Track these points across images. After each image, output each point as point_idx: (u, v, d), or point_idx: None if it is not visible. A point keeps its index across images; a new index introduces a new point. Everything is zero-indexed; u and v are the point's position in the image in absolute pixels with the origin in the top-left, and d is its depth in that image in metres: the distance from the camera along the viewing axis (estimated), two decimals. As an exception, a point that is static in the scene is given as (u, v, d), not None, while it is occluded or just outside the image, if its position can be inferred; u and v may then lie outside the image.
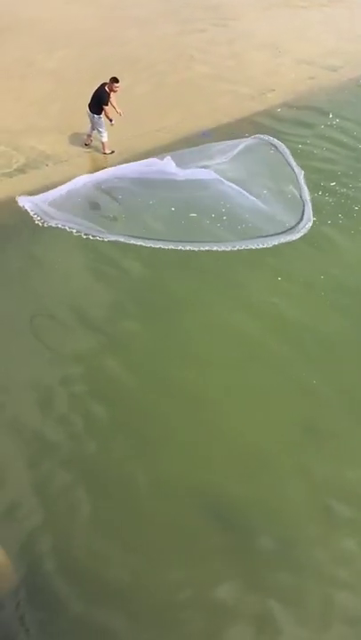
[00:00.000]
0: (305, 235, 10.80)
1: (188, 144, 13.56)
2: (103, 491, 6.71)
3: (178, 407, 7.65)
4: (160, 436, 7.32)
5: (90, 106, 12.27)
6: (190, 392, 7.81)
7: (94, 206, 11.45)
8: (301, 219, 11.20)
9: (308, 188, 12.32)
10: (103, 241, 10.25)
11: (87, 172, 12.11)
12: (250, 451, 7.20)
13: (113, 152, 12.87)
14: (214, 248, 10.19)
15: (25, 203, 10.78)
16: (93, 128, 12.68)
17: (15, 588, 5.80)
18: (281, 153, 13.53)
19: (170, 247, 10.10)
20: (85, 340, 8.46)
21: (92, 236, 10.23)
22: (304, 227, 10.96)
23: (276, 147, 13.74)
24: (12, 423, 7.32)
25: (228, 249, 10.18)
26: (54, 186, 11.46)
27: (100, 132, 12.54)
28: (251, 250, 10.30)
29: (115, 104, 12.34)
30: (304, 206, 11.60)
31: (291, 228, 10.87)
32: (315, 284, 9.76)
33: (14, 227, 10.48)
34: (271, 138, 13.95)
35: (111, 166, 12.37)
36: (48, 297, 9.25)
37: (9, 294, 9.26)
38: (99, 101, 12.13)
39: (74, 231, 10.31)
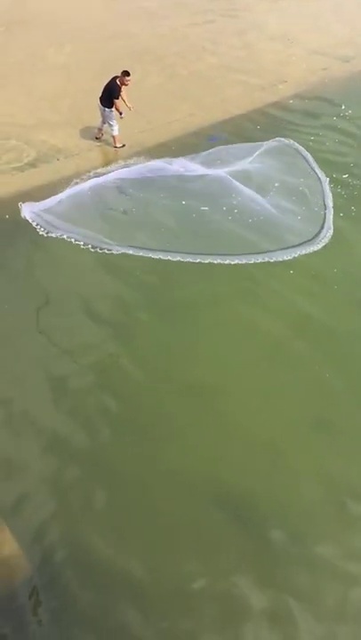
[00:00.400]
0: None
1: (198, 137, 13.52)
2: (115, 482, 6.72)
3: (190, 402, 7.62)
4: (173, 430, 7.30)
5: (101, 99, 12.26)
6: (202, 386, 7.79)
7: (100, 209, 10.94)
8: (322, 227, 10.74)
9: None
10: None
11: (98, 166, 12.12)
12: (263, 445, 7.17)
13: (124, 145, 12.85)
14: (230, 261, 9.63)
15: (27, 212, 10.49)
16: (104, 122, 12.66)
17: (28, 578, 5.83)
18: (303, 157, 12.93)
19: (187, 260, 9.61)
20: (95, 336, 8.46)
21: (100, 249, 9.75)
22: (325, 235, 10.47)
23: (298, 151, 13.13)
24: (22, 416, 7.35)
25: (243, 262, 9.65)
26: (65, 180, 11.48)
27: (111, 125, 12.52)
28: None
29: (125, 98, 12.31)
30: (326, 213, 11.12)
31: (312, 239, 10.33)
32: (327, 277, 9.68)
33: (25, 221, 10.47)
34: (292, 142, 13.37)
35: (122, 160, 12.36)
36: (57, 291, 9.24)
37: (18, 287, 9.27)
38: (110, 95, 12.11)
39: (81, 244, 9.87)
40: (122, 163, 12.24)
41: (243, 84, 16.15)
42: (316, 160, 12.83)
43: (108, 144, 12.93)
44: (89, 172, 11.86)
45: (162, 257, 9.62)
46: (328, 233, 10.51)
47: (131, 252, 9.72)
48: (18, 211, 10.48)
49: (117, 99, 12.09)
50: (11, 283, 9.37)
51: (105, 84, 12.23)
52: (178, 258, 9.61)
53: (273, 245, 10.07)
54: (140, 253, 9.71)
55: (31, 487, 6.61)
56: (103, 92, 12.25)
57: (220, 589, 5.90)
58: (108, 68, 13.81)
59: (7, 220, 10.39)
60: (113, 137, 12.76)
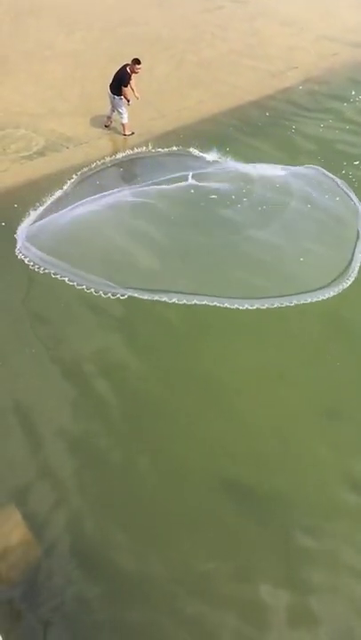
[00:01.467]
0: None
1: (208, 124, 13.43)
2: (124, 471, 6.74)
3: (196, 393, 7.60)
4: (179, 421, 7.31)
5: (111, 87, 12.21)
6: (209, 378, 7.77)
7: (101, 241, 9.61)
8: (352, 259, 9.55)
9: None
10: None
11: (108, 154, 12.07)
12: (271, 437, 7.16)
13: (133, 133, 12.79)
14: (250, 306, 8.40)
15: (20, 245, 9.44)
16: (113, 110, 12.60)
17: (38, 563, 5.88)
18: (338, 185, 11.55)
19: (204, 302, 8.41)
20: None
21: (105, 294, 8.45)
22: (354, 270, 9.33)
23: (332, 179, 11.74)
24: (23, 408, 7.38)
25: (265, 307, 8.38)
26: (74, 169, 11.43)
27: (120, 113, 12.46)
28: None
29: (134, 87, 12.24)
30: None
31: (341, 275, 9.14)
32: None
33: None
34: (325, 171, 11.91)
35: (131, 148, 12.31)
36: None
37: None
38: (120, 83, 12.05)
39: (83, 287, 8.55)
40: (129, 151, 12.22)
41: (253, 70, 16.01)
42: (326, 147, 12.75)
43: (118, 132, 12.87)
44: (98, 160, 11.83)
45: (176, 301, 8.46)
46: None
47: (137, 294, 8.49)
48: (27, 199, 10.46)
49: (126, 86, 12.03)
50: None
51: (115, 72, 12.17)
52: (192, 300, 8.45)
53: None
54: (146, 296, 8.51)
55: (37, 477, 6.64)
56: (113, 80, 12.19)
57: (223, 582, 5.92)
58: (117, 56, 13.73)
59: (16, 209, 10.37)
60: (122, 125, 12.70)
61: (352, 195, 11.11)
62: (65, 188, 10.93)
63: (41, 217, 10.11)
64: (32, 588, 5.74)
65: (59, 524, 6.20)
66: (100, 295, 8.43)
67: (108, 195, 10.57)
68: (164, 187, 10.80)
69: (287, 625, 5.59)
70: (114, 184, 11.19)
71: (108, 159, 11.90)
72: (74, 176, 11.21)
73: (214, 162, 11.96)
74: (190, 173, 11.12)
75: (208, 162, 11.97)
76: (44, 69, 15.36)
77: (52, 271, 8.81)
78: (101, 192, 10.78)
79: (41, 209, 10.31)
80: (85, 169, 11.48)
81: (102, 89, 12.51)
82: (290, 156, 12.51)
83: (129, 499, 6.50)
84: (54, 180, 11.10)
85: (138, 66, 11.99)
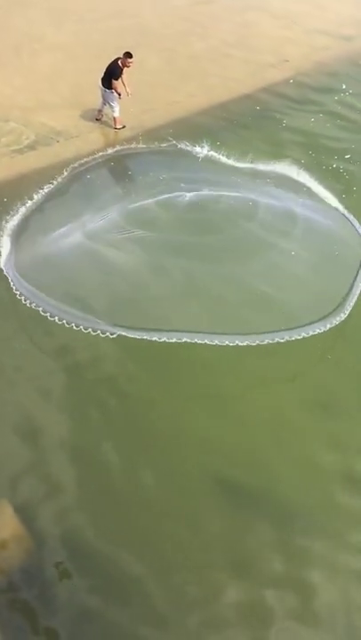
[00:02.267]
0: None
1: (200, 118, 13.40)
2: (115, 468, 6.76)
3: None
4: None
5: (102, 80, 12.13)
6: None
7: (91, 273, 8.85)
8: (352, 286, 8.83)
9: (320, 162, 12.11)
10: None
11: (99, 148, 12.02)
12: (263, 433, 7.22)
13: (124, 127, 12.74)
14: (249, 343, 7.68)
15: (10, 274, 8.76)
16: (105, 103, 12.54)
17: (30, 557, 5.90)
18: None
19: (205, 342, 7.67)
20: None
21: (85, 329, 7.72)
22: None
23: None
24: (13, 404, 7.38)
25: (265, 342, 7.68)
26: (65, 163, 11.37)
27: (112, 106, 12.40)
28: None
29: (126, 81, 12.16)
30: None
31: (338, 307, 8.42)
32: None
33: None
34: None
35: (122, 142, 12.27)
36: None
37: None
38: (111, 76, 11.97)
39: (66, 322, 7.83)
40: (118, 146, 12.17)
41: (244, 63, 15.96)
42: (316, 140, 12.77)
43: (109, 126, 12.81)
44: (89, 154, 11.79)
45: (167, 339, 7.71)
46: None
47: (125, 333, 7.73)
48: (17, 193, 10.40)
49: (117, 80, 11.96)
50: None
51: (107, 65, 12.09)
52: (183, 338, 7.72)
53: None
54: (135, 335, 7.72)
55: (31, 470, 6.66)
56: (105, 74, 12.11)
57: (218, 578, 5.96)
58: (108, 49, 13.64)
59: (5, 203, 10.30)
60: (114, 118, 12.64)
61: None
62: (55, 183, 10.87)
63: (28, 221, 9.91)
64: (25, 581, 5.77)
65: (51, 517, 6.22)
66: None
67: (94, 216, 9.82)
68: (158, 213, 9.92)
69: (285, 624, 5.64)
70: (104, 183, 11.19)
71: (99, 154, 11.84)
72: (64, 172, 11.15)
73: (207, 159, 11.92)
74: (187, 195, 10.22)
75: (201, 161, 11.88)
76: (34, 62, 15.23)
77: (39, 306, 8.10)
78: (91, 189, 10.77)
79: (30, 204, 10.27)
80: (76, 164, 11.42)
81: (93, 82, 12.43)
82: (281, 150, 12.51)
83: (121, 492, 6.53)
84: (45, 175, 11.06)
85: (129, 59, 11.91)
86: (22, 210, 10.13)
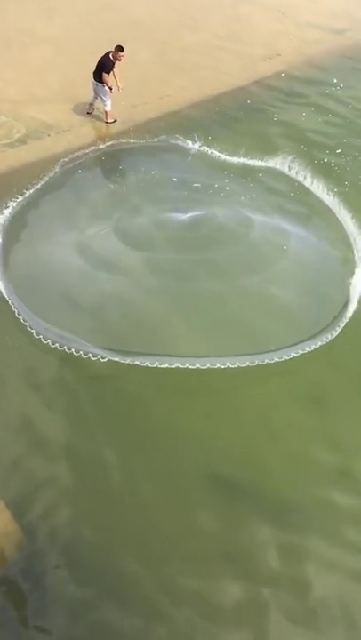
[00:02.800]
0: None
1: (191, 112, 13.37)
2: (107, 459, 6.79)
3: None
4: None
5: (94, 74, 12.08)
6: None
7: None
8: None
9: (312, 156, 12.12)
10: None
11: (90, 143, 11.99)
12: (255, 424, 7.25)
13: (115, 121, 12.70)
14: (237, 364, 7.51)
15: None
16: (96, 97, 12.49)
17: (22, 550, 5.91)
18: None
19: (196, 366, 7.48)
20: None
21: (76, 352, 7.55)
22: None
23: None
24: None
25: (255, 363, 7.55)
26: (57, 157, 11.33)
27: (103, 100, 12.35)
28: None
29: (117, 75, 12.12)
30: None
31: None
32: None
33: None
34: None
35: (113, 135, 12.23)
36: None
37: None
38: (102, 69, 11.92)
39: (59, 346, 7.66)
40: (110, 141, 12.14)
41: (236, 57, 15.94)
42: (307, 135, 12.78)
43: (100, 119, 12.77)
44: (80, 148, 11.74)
45: (159, 365, 7.48)
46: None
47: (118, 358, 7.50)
48: (8, 188, 10.37)
49: (108, 73, 11.91)
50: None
51: (99, 59, 12.04)
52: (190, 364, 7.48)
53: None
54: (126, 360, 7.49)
55: (28, 464, 6.67)
56: (96, 67, 12.06)
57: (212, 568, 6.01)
58: (98, 42, 13.60)
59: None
60: (105, 112, 12.60)
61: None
62: (45, 180, 10.83)
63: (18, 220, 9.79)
64: (17, 576, 5.79)
65: (42, 512, 6.23)
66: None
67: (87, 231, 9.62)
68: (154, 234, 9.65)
69: (279, 619, 5.66)
70: (95, 182, 11.13)
71: (89, 149, 11.80)
72: (56, 166, 11.11)
73: (199, 154, 11.92)
74: (186, 216, 9.94)
75: (192, 155, 11.88)
76: (24, 55, 15.15)
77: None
78: (82, 189, 10.76)
79: (21, 199, 10.24)
80: (67, 158, 11.38)
81: (83, 75, 12.39)
82: (272, 144, 12.52)
83: (114, 486, 6.55)
84: (36, 169, 11.01)
85: (121, 53, 11.86)
86: (12, 207, 10.07)
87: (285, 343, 7.83)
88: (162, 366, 7.44)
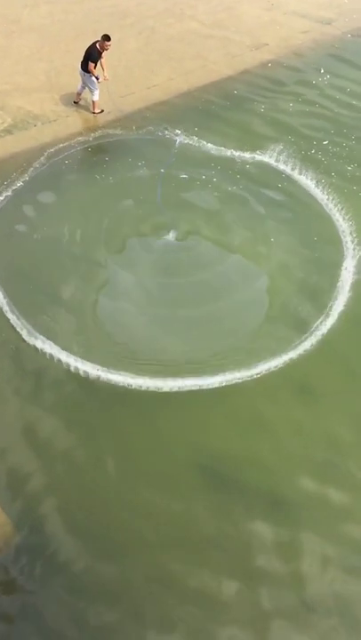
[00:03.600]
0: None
1: (178, 102, 13.33)
2: (100, 449, 6.82)
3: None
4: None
5: (82, 64, 11.98)
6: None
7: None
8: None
9: (300, 145, 12.16)
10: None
11: (77, 133, 11.92)
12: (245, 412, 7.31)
13: (102, 111, 12.62)
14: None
15: None
16: (84, 87, 12.39)
17: (15, 542, 5.95)
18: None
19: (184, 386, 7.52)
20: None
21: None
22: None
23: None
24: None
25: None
26: (43, 147, 11.27)
27: (91, 90, 12.25)
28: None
29: (104, 65, 12.02)
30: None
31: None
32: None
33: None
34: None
35: (100, 126, 12.17)
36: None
37: None
38: (89, 59, 11.82)
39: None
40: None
41: (223, 47, 15.85)
42: (295, 125, 12.82)
43: (87, 109, 12.68)
44: (67, 139, 11.69)
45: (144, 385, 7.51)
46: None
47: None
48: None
49: (94, 62, 11.80)
50: None
51: (86, 49, 11.93)
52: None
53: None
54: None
55: (17, 458, 6.69)
56: (84, 57, 11.94)
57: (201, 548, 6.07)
58: (85, 31, 13.49)
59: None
60: (92, 102, 12.51)
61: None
62: (29, 172, 10.81)
63: None
64: (6, 564, 5.84)
65: (32, 502, 6.28)
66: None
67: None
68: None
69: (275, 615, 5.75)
70: (80, 175, 11.09)
71: (76, 140, 11.74)
72: (42, 159, 11.08)
73: (185, 145, 11.89)
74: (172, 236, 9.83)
75: (179, 146, 11.84)
76: (10, 45, 14.96)
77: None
78: (67, 179, 10.75)
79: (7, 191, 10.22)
80: (52, 150, 11.32)
81: (70, 65, 12.30)
82: (259, 135, 12.53)
83: (104, 477, 6.60)
84: (23, 159, 10.99)
85: (107, 42, 11.76)
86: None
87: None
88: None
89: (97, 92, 12.29)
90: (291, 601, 5.82)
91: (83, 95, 12.67)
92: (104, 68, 12.03)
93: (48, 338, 7.83)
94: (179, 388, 7.41)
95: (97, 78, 11.98)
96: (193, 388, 7.43)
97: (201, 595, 5.80)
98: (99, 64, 11.88)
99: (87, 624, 5.55)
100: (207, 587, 5.86)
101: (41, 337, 7.84)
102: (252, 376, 7.60)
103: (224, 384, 7.49)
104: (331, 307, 8.67)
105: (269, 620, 5.69)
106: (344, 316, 8.56)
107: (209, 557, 6.06)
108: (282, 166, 11.45)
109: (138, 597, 5.73)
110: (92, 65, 11.78)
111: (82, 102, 12.77)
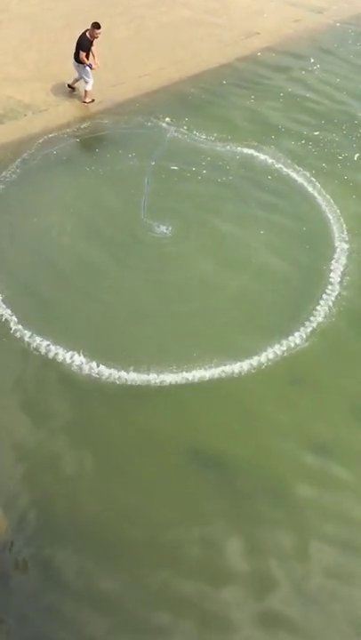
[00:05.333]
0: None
1: (169, 92, 13.30)
2: (91, 442, 6.88)
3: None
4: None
5: (74, 55, 11.90)
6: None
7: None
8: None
9: (290, 136, 12.18)
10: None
11: (68, 123, 11.90)
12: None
13: (93, 101, 12.58)
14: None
15: None
16: (79, 77, 12.34)
17: (7, 534, 6.02)
18: None
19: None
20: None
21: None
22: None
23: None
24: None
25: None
26: (34, 137, 11.27)
27: (85, 80, 12.20)
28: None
29: (95, 53, 11.95)
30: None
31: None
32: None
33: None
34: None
35: (91, 115, 12.13)
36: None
37: None
38: (80, 48, 11.76)
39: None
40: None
41: (214, 36, 15.79)
42: (286, 115, 12.88)
43: (78, 99, 12.62)
44: (58, 129, 11.67)
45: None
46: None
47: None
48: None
49: (86, 52, 11.74)
50: None
51: (77, 40, 11.85)
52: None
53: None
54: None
55: (6, 448, 6.75)
56: (75, 48, 11.87)
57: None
58: (74, 20, 13.40)
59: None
60: (84, 91, 12.45)
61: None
62: (18, 162, 10.82)
63: None
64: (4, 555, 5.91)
65: (25, 495, 6.33)
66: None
67: None
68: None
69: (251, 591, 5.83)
70: (70, 166, 11.05)
71: (67, 130, 11.72)
72: (32, 149, 11.07)
73: (175, 136, 11.90)
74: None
75: (169, 137, 11.83)
76: (-1, 33, 14.87)
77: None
78: (55, 170, 10.74)
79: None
80: (41, 140, 11.34)
81: (60, 53, 12.25)
82: (249, 125, 12.53)
83: (99, 470, 6.66)
84: (13, 149, 10.98)
85: (97, 30, 11.68)
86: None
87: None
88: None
89: (91, 82, 12.24)
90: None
91: (77, 85, 12.60)
92: (95, 55, 11.97)
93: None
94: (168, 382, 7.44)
95: (90, 66, 11.92)
96: (181, 382, 7.47)
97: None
98: (91, 52, 11.82)
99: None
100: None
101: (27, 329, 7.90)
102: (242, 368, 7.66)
103: (215, 376, 7.54)
104: (321, 299, 8.74)
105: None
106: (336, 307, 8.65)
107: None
108: (272, 157, 11.45)
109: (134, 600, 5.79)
110: (83, 54, 11.72)
111: (75, 92, 12.69)
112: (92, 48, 11.84)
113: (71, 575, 5.80)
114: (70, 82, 12.72)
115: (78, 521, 6.20)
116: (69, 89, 12.74)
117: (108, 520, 6.21)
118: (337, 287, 8.91)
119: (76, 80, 12.61)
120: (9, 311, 8.12)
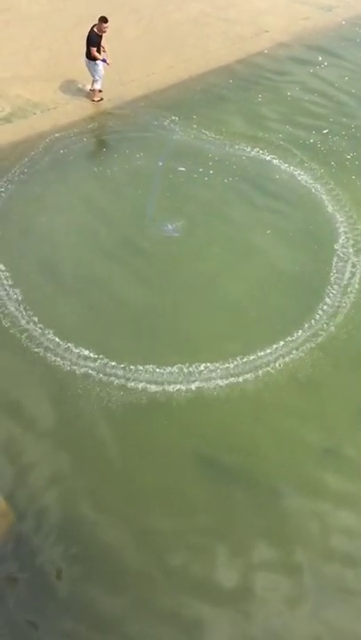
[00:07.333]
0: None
1: (177, 90, 13.30)
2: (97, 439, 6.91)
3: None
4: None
5: (86, 53, 11.92)
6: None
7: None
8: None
9: (298, 136, 12.13)
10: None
11: (76, 121, 11.93)
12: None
13: (102, 99, 12.60)
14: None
15: None
16: (91, 75, 12.35)
17: (14, 527, 6.06)
18: None
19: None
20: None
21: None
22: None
23: None
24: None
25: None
26: (42, 135, 11.30)
27: (95, 78, 12.23)
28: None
29: (105, 46, 11.93)
30: None
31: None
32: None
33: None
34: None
35: (99, 114, 12.15)
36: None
37: None
38: (90, 45, 11.76)
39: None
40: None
41: (223, 34, 15.77)
42: (295, 112, 12.83)
43: (86, 97, 12.65)
44: (66, 128, 11.71)
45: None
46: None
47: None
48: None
49: (96, 47, 11.72)
50: None
51: (86, 37, 11.86)
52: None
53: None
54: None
55: (11, 442, 6.79)
56: (86, 45, 11.88)
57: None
58: (84, 19, 13.38)
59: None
60: (94, 90, 12.48)
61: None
62: (25, 161, 10.86)
63: None
64: (7, 552, 5.94)
65: (31, 492, 6.37)
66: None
67: None
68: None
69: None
70: (78, 166, 11.09)
71: (74, 130, 11.75)
72: (39, 148, 11.11)
73: (183, 135, 11.88)
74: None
75: (177, 137, 11.83)
76: (8, 33, 14.88)
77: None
78: (63, 170, 10.78)
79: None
80: (47, 140, 11.40)
81: (69, 52, 12.29)
82: (258, 124, 12.51)
83: (99, 467, 6.69)
84: (22, 147, 11.03)
85: (105, 24, 11.61)
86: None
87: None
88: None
89: (100, 81, 12.27)
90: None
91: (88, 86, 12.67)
92: (105, 49, 11.94)
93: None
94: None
95: (104, 61, 11.89)
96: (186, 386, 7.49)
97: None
98: (101, 47, 11.81)
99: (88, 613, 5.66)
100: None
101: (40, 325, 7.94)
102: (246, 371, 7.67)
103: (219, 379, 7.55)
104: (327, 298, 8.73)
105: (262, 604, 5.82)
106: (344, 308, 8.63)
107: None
108: (279, 157, 11.42)
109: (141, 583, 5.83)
110: (93, 49, 11.71)
111: (85, 90, 12.72)
112: (103, 43, 11.82)
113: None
114: (89, 86, 12.71)
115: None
116: (86, 90, 12.73)
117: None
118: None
119: (96, 81, 12.58)
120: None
